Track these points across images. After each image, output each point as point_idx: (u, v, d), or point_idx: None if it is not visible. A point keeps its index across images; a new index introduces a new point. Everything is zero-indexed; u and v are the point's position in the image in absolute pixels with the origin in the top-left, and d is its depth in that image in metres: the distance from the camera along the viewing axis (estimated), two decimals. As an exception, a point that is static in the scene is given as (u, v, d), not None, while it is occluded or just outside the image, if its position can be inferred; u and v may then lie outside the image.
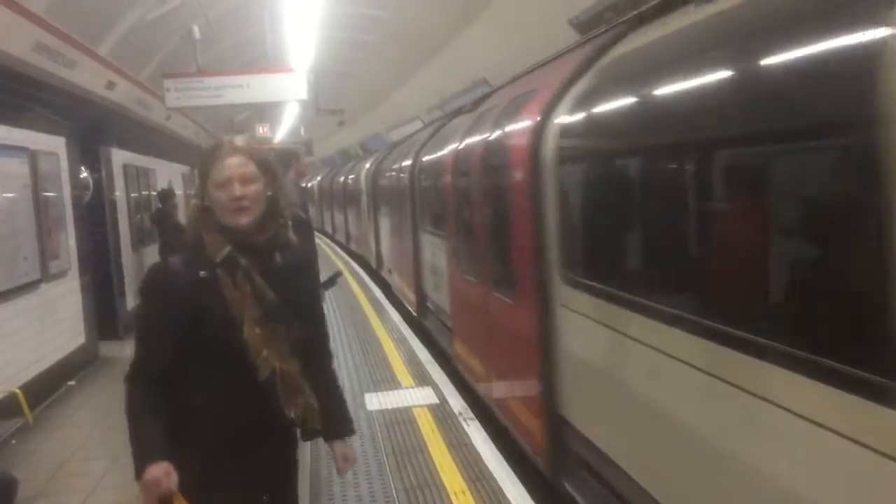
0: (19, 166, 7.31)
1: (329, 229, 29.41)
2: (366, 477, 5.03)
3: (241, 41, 13.07)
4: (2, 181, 6.89)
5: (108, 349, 9.58)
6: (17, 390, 6.13)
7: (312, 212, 30.07)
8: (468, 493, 4.67)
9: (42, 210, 7.71)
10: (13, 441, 6.24)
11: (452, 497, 4.65)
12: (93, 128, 9.69)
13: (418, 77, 15.15)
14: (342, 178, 23.69)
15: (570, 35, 7.84)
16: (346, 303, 12.13)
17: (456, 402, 6.56)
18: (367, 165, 17.02)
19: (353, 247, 21.34)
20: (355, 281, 14.91)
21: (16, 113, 7.16)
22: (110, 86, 9.05)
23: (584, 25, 7.83)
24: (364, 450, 5.54)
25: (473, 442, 5.54)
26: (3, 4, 5.91)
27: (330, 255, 20.89)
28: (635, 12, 4.19)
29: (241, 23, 12.04)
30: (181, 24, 9.94)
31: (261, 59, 13.13)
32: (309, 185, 33.49)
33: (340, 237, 24.86)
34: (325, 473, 5.13)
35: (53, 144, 8.30)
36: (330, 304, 11.87)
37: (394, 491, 4.78)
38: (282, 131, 28.44)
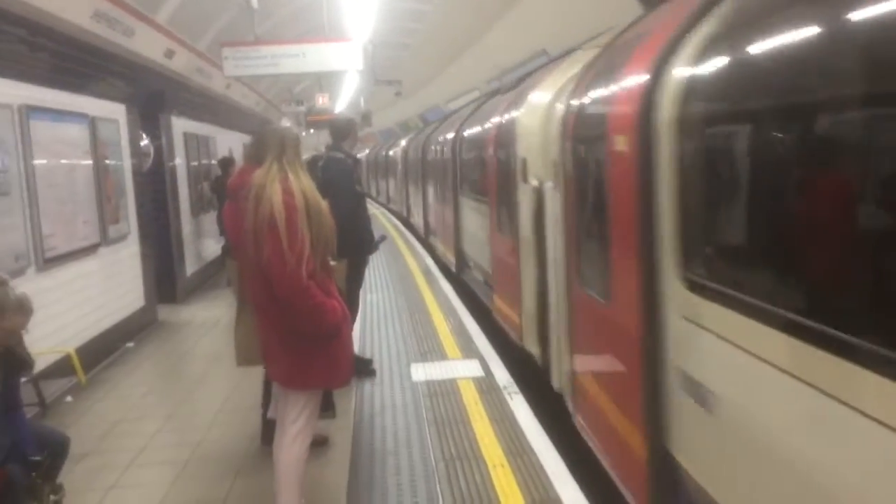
0: (80, 132, 7.49)
1: (418, 220, 17.93)
2: (406, 447, 5.04)
3: (298, 10, 13.10)
4: (62, 147, 7.06)
5: (166, 313, 9.83)
6: (72, 351, 6.32)
7: (393, 189, 27.58)
8: (507, 467, 4.65)
9: (102, 175, 7.89)
10: (68, 398, 6.45)
11: (491, 470, 4.62)
12: (153, 95, 9.86)
13: (477, 48, 14.98)
14: (448, 138, 12.37)
15: (634, 5, 7.60)
16: (397, 273, 12.18)
17: (502, 376, 6.52)
18: (546, 97, 6.22)
19: (473, 273, 10.46)
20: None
21: (76, 80, 7.31)
22: (169, 54, 9.18)
23: (650, -7, 7.57)
24: (406, 420, 5.56)
25: (516, 415, 5.50)
26: (62, -28, 6.02)
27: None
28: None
29: (300, -8, 12.09)
30: (239, -7, 10.01)
31: (318, 30, 13.14)
32: (391, 152, 32.75)
33: (442, 242, 13.74)
34: (366, 441, 5.17)
35: (114, 111, 8.48)
36: (380, 271, 11.94)
37: (433, 461, 4.78)
38: (342, 102, 28.57)
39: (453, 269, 11.78)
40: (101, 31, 7.02)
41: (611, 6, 7.78)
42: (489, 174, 8.57)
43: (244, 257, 3.72)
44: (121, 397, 6.62)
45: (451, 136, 12.10)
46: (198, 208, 12.22)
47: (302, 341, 3.68)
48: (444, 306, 9.47)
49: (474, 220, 9.83)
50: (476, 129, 10.03)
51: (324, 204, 3.72)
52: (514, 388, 6.20)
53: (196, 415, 6.01)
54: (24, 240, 6.18)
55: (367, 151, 31.61)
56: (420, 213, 16.85)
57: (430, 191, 15.40)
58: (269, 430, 4.78)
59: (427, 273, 12.21)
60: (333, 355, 3.77)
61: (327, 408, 5.01)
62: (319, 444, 4.93)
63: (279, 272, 3.48)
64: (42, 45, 6.41)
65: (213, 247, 12.84)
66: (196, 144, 12.42)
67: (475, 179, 9.81)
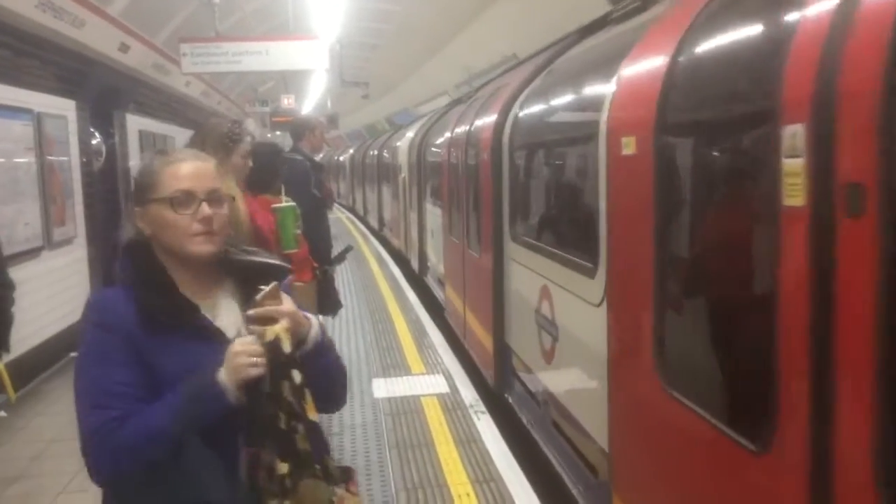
0: (23, 128, 7.03)
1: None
2: (365, 472, 4.69)
3: (261, 7, 12.69)
4: (3, 144, 6.60)
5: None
6: (0, 366, 5.86)
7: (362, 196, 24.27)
8: (472, 497, 4.33)
9: (47, 175, 7.43)
10: (1, 413, 5.99)
11: (456, 500, 4.30)
12: (105, 91, 9.39)
13: (446, 52, 14.69)
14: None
15: (603, 8, 7.36)
16: (361, 281, 11.83)
17: (468, 394, 6.21)
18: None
19: None
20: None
21: (19, 73, 6.86)
22: (124, 48, 8.74)
23: (620, -2, 7.35)
24: (366, 441, 5.21)
25: (483, 438, 5.19)
26: (3, -44, 5.60)
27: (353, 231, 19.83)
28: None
29: (264, -12, 11.68)
30: (200, -13, 9.61)
31: (282, 28, 12.76)
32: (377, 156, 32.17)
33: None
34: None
35: (62, 107, 8.02)
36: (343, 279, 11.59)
37: (393, 490, 4.45)
38: (308, 104, 28.11)
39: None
40: (46, 21, 6.59)
41: (578, 8, 7.54)
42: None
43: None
44: (60, 412, 6.17)
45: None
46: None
47: None
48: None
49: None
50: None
51: (243, 211, 3.27)
52: (481, 406, 5.89)
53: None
54: (-45, 243, 5.71)
55: (350, 152, 30.84)
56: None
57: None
58: None
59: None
60: None
61: None
62: None
63: None
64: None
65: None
66: (153, 143, 11.94)
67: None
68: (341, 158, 34.35)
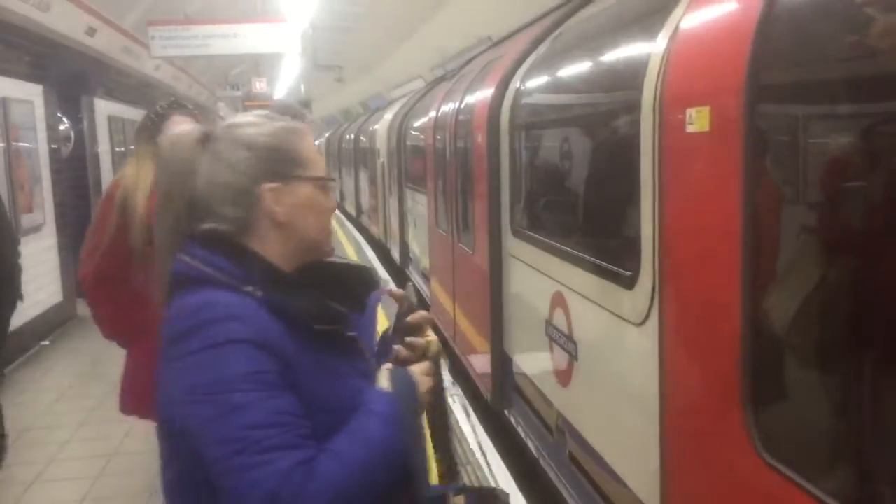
0: (-12, 114, 6.91)
1: None
2: (340, 457, 4.68)
3: (232, -11, 12.53)
4: (-33, 129, 6.48)
5: (87, 307, 9.24)
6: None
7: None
8: (446, 480, 4.33)
9: (13, 162, 7.30)
10: (-28, 405, 5.91)
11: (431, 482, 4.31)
12: (74, 76, 9.24)
13: (420, 34, 14.60)
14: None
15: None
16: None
17: (443, 376, 6.20)
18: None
19: None
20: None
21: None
22: (91, 32, 8.58)
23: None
24: (341, 426, 5.20)
25: (458, 421, 5.21)
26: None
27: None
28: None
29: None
30: (167, -31, 9.45)
31: (252, 11, 12.60)
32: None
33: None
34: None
35: (28, 92, 7.87)
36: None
37: (369, 474, 4.45)
38: (281, 88, 27.86)
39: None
40: (10, 5, 6.45)
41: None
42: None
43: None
44: (31, 402, 6.11)
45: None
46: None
47: None
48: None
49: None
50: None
51: (141, 200, 2.95)
52: (456, 388, 5.91)
53: (111, 422, 5.54)
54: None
55: (326, 136, 30.33)
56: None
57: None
58: None
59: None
60: (126, 374, 3.40)
61: None
62: None
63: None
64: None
65: (141, 237, 12.20)
66: (122, 129, 11.76)
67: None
68: (316, 143, 34.10)
